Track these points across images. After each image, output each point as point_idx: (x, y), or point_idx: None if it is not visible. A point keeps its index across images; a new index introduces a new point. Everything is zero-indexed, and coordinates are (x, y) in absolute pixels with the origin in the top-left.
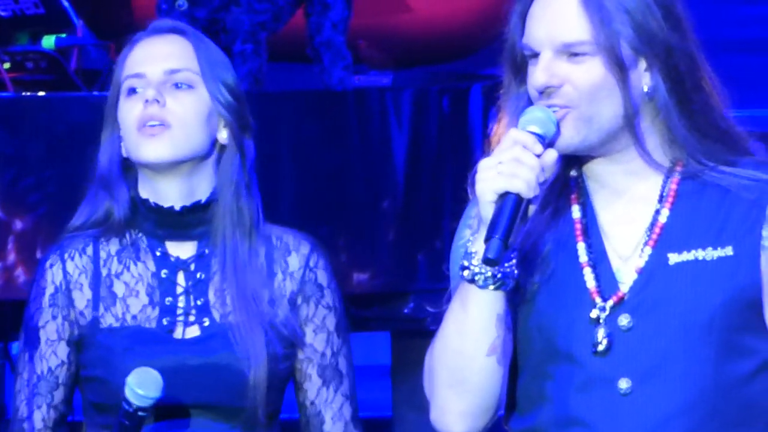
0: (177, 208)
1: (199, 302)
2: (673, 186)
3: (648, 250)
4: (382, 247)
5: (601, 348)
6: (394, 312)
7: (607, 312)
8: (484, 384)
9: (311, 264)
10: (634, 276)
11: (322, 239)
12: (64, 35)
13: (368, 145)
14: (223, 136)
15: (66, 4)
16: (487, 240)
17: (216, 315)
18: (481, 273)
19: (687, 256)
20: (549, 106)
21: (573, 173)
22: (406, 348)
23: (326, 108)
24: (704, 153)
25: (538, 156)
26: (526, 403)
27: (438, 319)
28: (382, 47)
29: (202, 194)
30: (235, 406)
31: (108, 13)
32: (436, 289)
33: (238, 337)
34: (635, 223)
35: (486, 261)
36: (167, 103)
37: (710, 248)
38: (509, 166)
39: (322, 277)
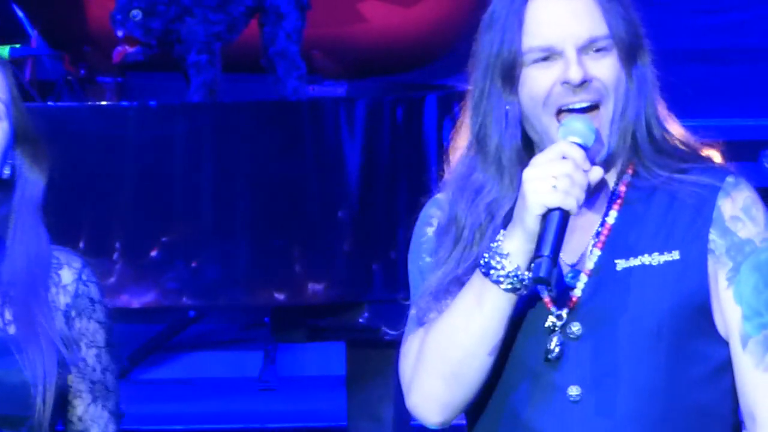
0: None
1: None
2: (623, 188)
3: (597, 252)
4: (337, 258)
5: (553, 356)
6: (349, 322)
7: (564, 319)
8: (476, 381)
9: (84, 278)
10: (585, 279)
11: (277, 250)
12: (18, 45)
13: (323, 155)
14: (6, 171)
15: (20, 14)
16: (537, 258)
17: None
18: (509, 276)
19: (634, 261)
20: (581, 109)
21: None
22: (361, 358)
23: (280, 118)
24: (656, 155)
25: (586, 172)
26: (480, 409)
27: (392, 328)
28: (336, 57)
29: None
30: (18, 416)
31: (62, 23)
32: (391, 299)
33: (22, 348)
34: (585, 226)
35: (537, 279)
36: None
37: (657, 253)
38: (564, 182)
39: (94, 291)
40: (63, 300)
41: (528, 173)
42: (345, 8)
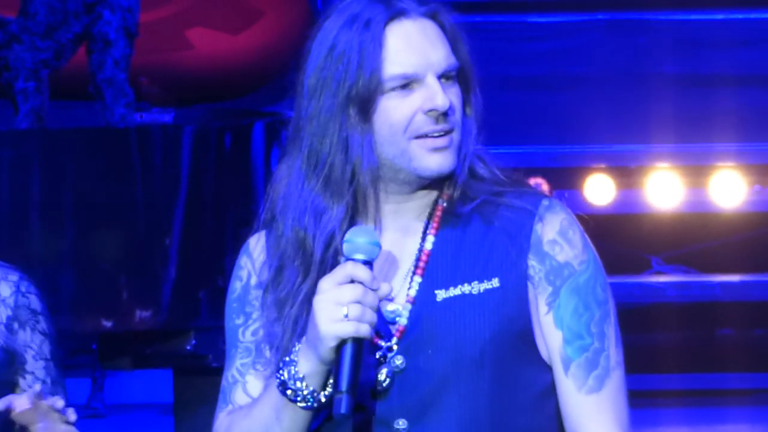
0: None
1: None
2: (438, 214)
3: (418, 279)
4: (164, 285)
5: (381, 389)
6: (176, 349)
7: (393, 352)
8: None
9: (22, 289)
10: (409, 308)
11: (104, 276)
12: None
13: (151, 182)
14: None
15: None
16: (336, 392)
17: None
18: (305, 398)
19: (454, 291)
20: (438, 132)
21: None
22: (189, 385)
23: (108, 145)
24: (471, 180)
25: (375, 291)
26: None
27: (219, 356)
28: (164, 84)
29: None
30: None
31: None
32: (218, 327)
33: None
34: (403, 255)
35: (339, 416)
36: None
37: (476, 282)
38: (355, 310)
39: (35, 302)
40: (4, 312)
41: (318, 302)
42: (172, 35)
